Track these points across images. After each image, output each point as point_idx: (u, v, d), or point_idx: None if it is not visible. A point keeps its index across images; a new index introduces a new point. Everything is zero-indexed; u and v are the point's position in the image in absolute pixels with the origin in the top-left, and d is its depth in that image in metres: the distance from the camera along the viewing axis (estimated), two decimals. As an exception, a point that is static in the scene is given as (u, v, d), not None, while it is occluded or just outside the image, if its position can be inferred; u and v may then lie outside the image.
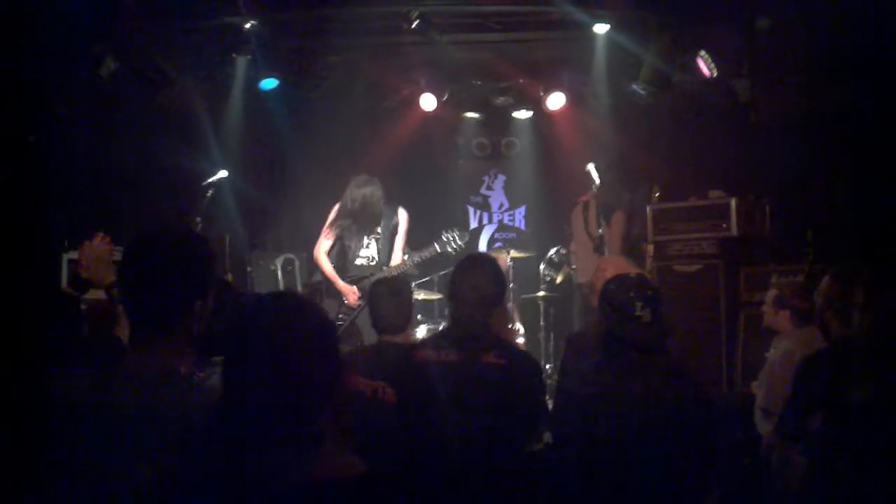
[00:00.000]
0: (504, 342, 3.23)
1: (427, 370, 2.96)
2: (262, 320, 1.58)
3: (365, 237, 5.87)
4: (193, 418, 1.67)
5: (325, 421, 1.61)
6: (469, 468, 2.83)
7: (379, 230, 5.87)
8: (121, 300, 1.97)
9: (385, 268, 5.81)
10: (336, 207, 5.93)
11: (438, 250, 5.89)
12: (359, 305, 5.71)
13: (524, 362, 3.09)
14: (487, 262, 3.26)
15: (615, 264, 4.29)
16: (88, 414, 1.81)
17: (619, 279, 2.95)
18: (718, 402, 5.03)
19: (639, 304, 2.76)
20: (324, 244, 5.92)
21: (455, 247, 5.89)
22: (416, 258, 5.91)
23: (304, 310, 1.61)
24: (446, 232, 5.94)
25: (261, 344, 1.55)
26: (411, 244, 6.39)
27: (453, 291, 3.12)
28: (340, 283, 5.79)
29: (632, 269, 4.25)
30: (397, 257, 5.91)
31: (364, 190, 5.72)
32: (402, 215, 5.96)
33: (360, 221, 5.80)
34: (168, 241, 1.96)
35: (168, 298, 1.86)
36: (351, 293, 5.77)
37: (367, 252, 5.90)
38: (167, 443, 1.68)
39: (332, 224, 5.90)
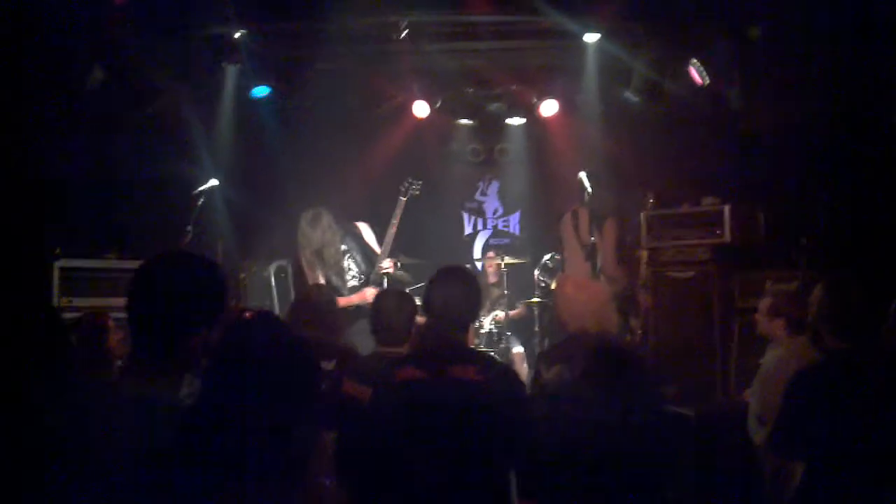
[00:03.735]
0: (485, 357, 3.13)
1: (405, 389, 2.84)
2: (243, 342, 1.56)
3: (342, 263, 5.99)
4: None
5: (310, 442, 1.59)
6: (438, 492, 2.73)
7: (347, 248, 6.00)
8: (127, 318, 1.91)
9: (381, 265, 5.94)
10: (302, 256, 5.96)
11: (403, 199, 6.13)
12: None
13: (504, 379, 2.91)
14: (462, 274, 3.09)
15: (573, 281, 4.29)
16: (79, 433, 1.77)
17: None
18: (713, 409, 5.06)
19: None
20: None
21: (415, 189, 6.17)
22: (394, 222, 6.05)
23: (282, 331, 1.60)
24: (403, 183, 6.18)
25: (241, 365, 1.54)
26: (404, 249, 6.40)
27: (426, 304, 2.98)
28: (355, 297, 5.81)
29: (592, 285, 4.21)
30: (379, 249, 6.05)
31: (316, 233, 5.81)
32: (362, 227, 6.12)
33: (329, 257, 5.89)
34: (184, 264, 1.93)
35: (176, 323, 1.83)
36: (369, 294, 5.82)
37: (352, 273, 6.03)
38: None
39: (311, 270, 5.92)
